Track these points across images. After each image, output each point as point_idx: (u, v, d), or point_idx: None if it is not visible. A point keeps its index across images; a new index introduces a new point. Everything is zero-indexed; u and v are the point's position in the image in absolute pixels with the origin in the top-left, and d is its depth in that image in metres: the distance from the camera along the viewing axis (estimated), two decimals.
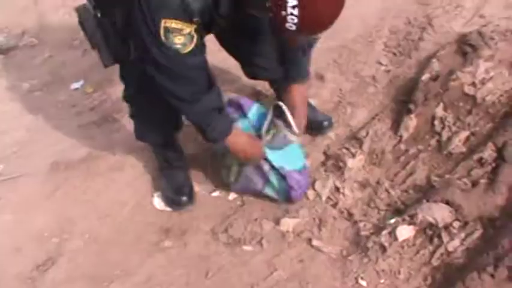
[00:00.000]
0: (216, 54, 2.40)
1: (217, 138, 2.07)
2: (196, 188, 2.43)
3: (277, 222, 2.21)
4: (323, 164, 2.39)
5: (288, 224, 2.19)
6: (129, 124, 2.45)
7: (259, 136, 2.25)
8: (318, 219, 2.20)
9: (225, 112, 2.11)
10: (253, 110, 2.32)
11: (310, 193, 2.29)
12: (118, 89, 2.30)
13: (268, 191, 2.26)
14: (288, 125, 2.20)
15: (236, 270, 2.09)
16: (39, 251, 2.34)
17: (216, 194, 2.40)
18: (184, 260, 2.18)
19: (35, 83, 3.41)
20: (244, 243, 2.18)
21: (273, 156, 2.22)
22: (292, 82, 2.24)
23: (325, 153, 2.45)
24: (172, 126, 2.33)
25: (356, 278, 1.96)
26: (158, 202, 2.43)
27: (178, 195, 2.37)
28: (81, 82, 3.32)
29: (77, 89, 3.30)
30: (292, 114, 2.20)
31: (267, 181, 2.24)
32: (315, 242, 2.12)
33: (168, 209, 2.39)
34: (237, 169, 2.30)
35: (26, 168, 2.76)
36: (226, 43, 2.38)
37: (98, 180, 2.60)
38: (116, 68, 2.19)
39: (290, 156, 2.27)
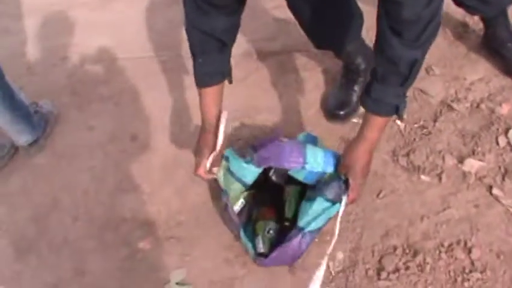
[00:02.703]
0: None
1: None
2: None
3: (460, 160, 2.14)
4: None
5: (471, 165, 2.12)
6: None
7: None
8: (504, 169, 2.10)
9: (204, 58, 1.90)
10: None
11: (501, 140, 2.17)
12: None
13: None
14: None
15: (409, 196, 2.08)
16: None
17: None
18: None
19: None
20: (423, 172, 2.13)
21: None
22: (366, 109, 1.77)
23: None
24: None
25: None
26: None
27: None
28: None
29: None
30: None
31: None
32: (495, 191, 2.04)
33: None
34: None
35: None
36: None
37: (288, 76, 2.63)
38: None
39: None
